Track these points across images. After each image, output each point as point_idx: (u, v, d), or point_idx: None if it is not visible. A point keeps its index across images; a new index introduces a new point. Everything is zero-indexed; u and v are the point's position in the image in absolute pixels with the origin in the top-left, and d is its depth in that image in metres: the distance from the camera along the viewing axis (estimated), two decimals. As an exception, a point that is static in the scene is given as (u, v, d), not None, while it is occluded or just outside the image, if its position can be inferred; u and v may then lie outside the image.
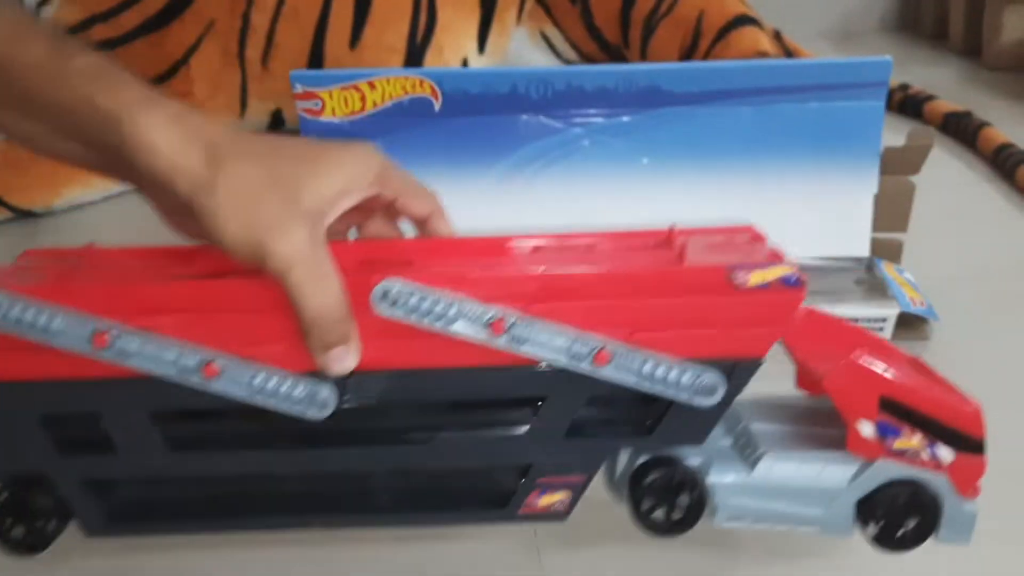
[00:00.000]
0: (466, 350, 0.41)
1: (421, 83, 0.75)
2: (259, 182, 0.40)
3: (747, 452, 0.45)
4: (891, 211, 0.76)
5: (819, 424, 0.45)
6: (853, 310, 0.71)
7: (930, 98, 1.17)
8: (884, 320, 0.71)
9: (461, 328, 0.40)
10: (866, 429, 0.42)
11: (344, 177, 0.42)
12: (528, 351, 0.40)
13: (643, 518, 0.44)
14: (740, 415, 0.47)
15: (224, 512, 0.45)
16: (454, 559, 0.50)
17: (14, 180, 0.95)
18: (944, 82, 1.29)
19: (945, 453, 0.42)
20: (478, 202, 0.78)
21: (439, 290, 0.40)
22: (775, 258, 0.43)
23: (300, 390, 0.41)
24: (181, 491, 0.46)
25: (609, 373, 0.41)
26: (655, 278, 0.41)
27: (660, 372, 0.41)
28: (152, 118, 0.40)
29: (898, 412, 0.42)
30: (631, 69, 0.73)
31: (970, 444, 0.42)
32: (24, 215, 0.96)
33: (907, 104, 1.18)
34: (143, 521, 0.46)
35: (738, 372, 0.41)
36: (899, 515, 0.44)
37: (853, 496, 0.43)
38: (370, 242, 0.47)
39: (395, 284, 0.40)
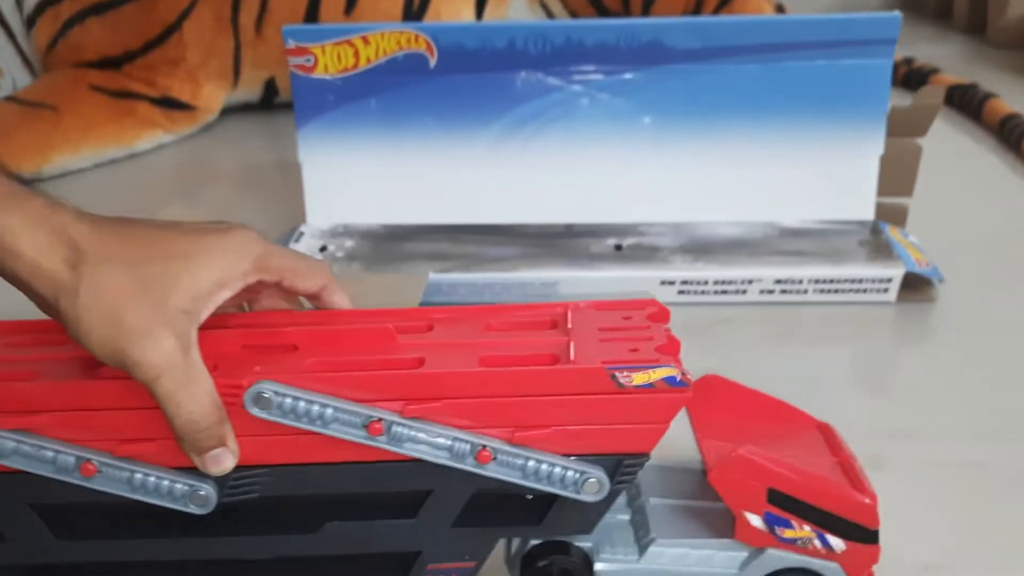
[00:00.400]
0: (348, 447, 0.41)
1: (416, 38, 0.73)
2: (124, 288, 0.38)
3: (640, 533, 0.45)
4: (897, 174, 0.75)
5: (717, 498, 0.44)
6: (856, 271, 0.69)
7: (935, 71, 1.16)
8: (889, 281, 0.69)
9: (337, 430, 0.40)
10: (754, 520, 0.42)
11: (219, 270, 0.40)
12: (409, 449, 0.40)
13: None
14: (639, 487, 0.47)
15: None
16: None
17: (3, 147, 0.93)
18: (949, 59, 1.27)
19: (836, 542, 0.42)
20: (473, 163, 0.77)
21: (313, 393, 0.39)
22: (670, 346, 0.42)
23: (180, 487, 0.41)
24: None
25: (493, 471, 0.41)
26: (536, 378, 0.40)
27: (544, 469, 0.41)
28: (12, 219, 0.38)
29: (786, 504, 0.41)
30: (633, 23, 0.72)
31: (863, 535, 0.42)
32: (12, 180, 0.95)
33: (912, 77, 1.16)
34: None
35: (623, 468, 0.42)
36: None
37: None
38: (255, 320, 0.45)
39: (268, 387, 0.39)
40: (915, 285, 0.70)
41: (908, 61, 1.19)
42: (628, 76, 0.73)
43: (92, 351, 0.38)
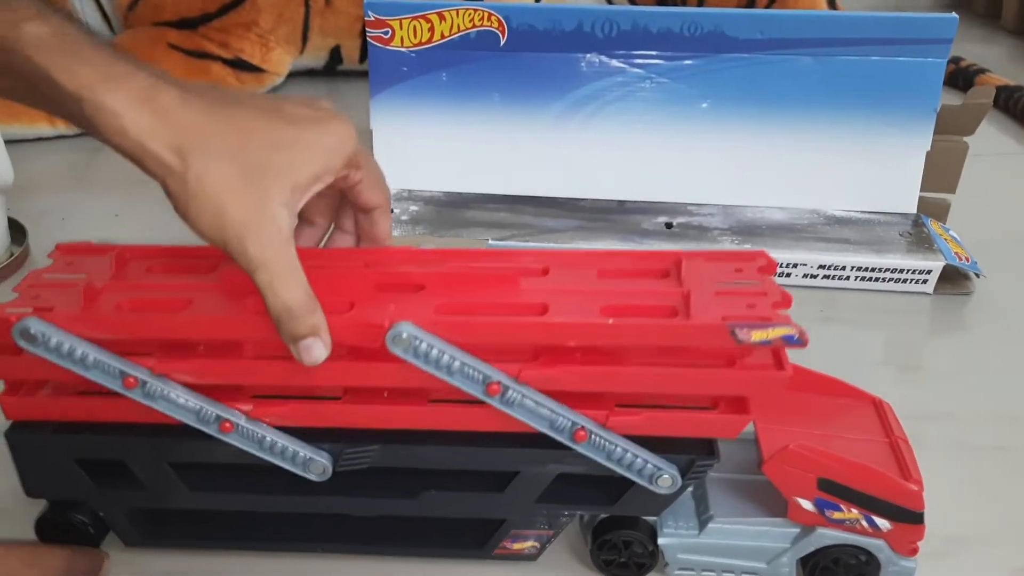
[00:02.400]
0: (454, 414, 0.44)
1: (489, 16, 0.77)
2: (228, 178, 0.39)
3: (701, 508, 0.48)
4: (942, 170, 0.77)
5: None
6: (897, 261, 0.73)
7: (982, 71, 1.18)
8: (928, 272, 0.73)
9: (459, 382, 0.43)
10: (805, 504, 0.45)
11: (318, 164, 0.42)
12: (518, 413, 0.43)
13: (601, 565, 0.49)
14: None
15: (237, 535, 0.50)
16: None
17: None
18: (996, 60, 1.28)
19: (883, 523, 0.45)
20: (535, 138, 0.81)
21: (445, 343, 0.42)
22: (783, 302, 0.42)
23: (301, 455, 0.45)
24: (202, 516, 0.50)
25: (584, 449, 0.44)
26: (657, 331, 0.41)
27: (628, 457, 0.44)
28: (116, 99, 0.38)
29: (835, 491, 0.44)
30: (697, 12, 0.75)
31: (908, 516, 0.45)
32: None
33: (958, 76, 1.18)
34: (170, 538, 0.50)
35: (695, 467, 0.44)
36: (838, 571, 0.47)
37: (794, 556, 0.46)
38: (378, 257, 0.47)
39: (406, 328, 0.41)
40: (953, 278, 0.73)
41: (955, 60, 1.20)
42: (689, 62, 0.76)
43: (198, 232, 0.40)
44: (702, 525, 0.47)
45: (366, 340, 0.42)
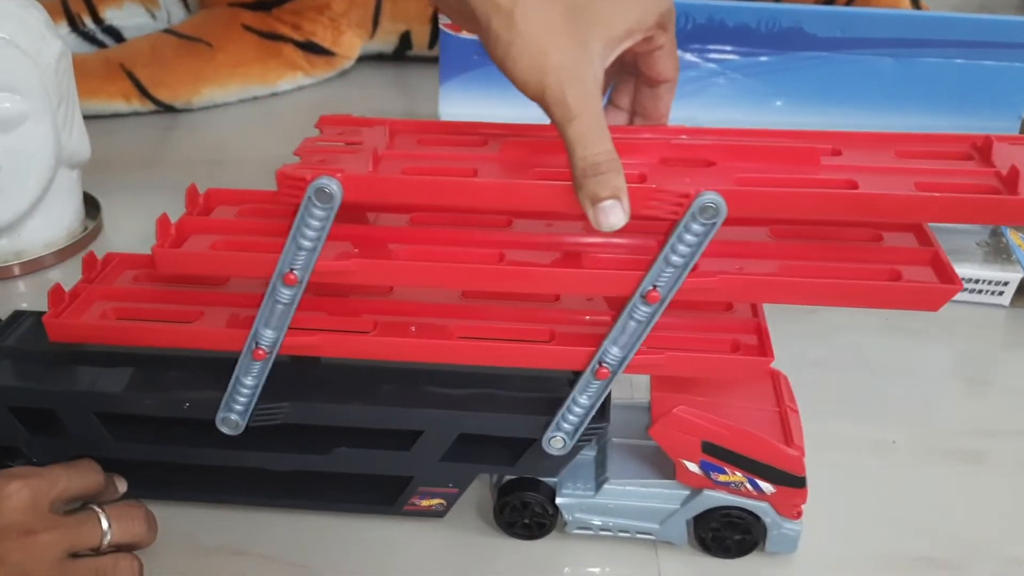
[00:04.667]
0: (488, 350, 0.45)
1: (563, 7, 0.76)
2: (553, 19, 0.38)
3: (599, 471, 0.50)
4: (1024, 179, 0.75)
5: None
6: (973, 271, 0.70)
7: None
8: (1005, 284, 0.70)
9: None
10: (691, 467, 0.47)
11: (633, 18, 0.40)
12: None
13: (504, 524, 0.51)
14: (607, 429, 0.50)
15: (162, 485, 0.52)
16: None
17: (160, 76, 1.00)
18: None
19: (766, 486, 0.46)
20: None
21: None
22: None
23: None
24: (130, 466, 0.52)
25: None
26: (983, 207, 0.39)
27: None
28: None
29: (719, 454, 0.46)
30: (775, 8, 0.73)
31: (791, 480, 0.46)
32: (166, 109, 1.01)
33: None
34: (149, 489, 0.52)
35: (584, 432, 0.46)
36: (726, 530, 0.48)
37: (684, 516, 0.48)
38: (661, 132, 0.46)
39: (711, 198, 0.39)
40: (1031, 291, 0.71)
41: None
42: (764, 59, 0.75)
43: (513, 79, 0.39)
44: (599, 486, 0.49)
45: (667, 211, 0.40)
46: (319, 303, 0.47)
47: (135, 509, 0.48)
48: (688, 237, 0.40)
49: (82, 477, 0.47)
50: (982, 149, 0.43)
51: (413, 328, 0.46)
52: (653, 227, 0.43)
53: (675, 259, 0.41)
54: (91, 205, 0.81)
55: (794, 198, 0.40)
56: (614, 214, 0.39)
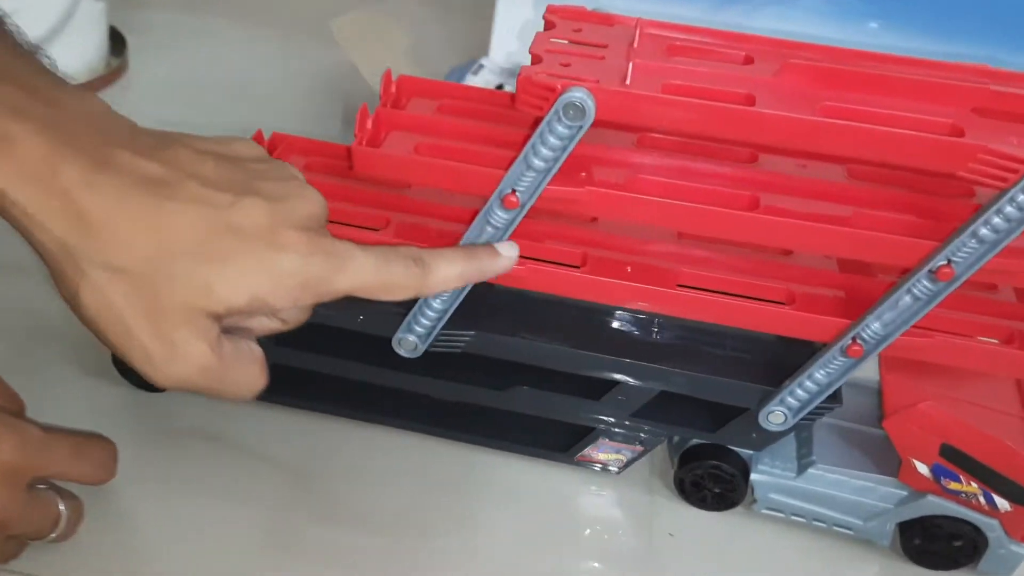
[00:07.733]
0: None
1: None
2: (134, 301, 0.32)
3: (803, 451, 0.45)
4: None
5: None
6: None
7: None
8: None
9: None
10: (921, 468, 0.42)
11: (265, 285, 0.34)
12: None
13: (684, 490, 0.46)
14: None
15: (318, 397, 0.50)
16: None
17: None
18: None
19: (1002, 503, 0.42)
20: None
21: None
22: None
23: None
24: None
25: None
26: None
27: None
28: (7, 167, 0.30)
29: (958, 460, 0.42)
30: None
31: None
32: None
33: None
34: (288, 396, 0.49)
35: (814, 410, 0.42)
36: (939, 541, 0.43)
37: (895, 518, 0.44)
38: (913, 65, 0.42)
39: None
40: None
41: None
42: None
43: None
44: (802, 468, 0.45)
45: (992, 175, 0.34)
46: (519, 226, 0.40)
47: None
48: (1011, 211, 0.34)
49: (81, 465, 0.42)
50: None
51: (628, 269, 0.41)
52: (941, 186, 0.38)
53: (986, 233, 0.34)
54: (117, 41, 0.76)
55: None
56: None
